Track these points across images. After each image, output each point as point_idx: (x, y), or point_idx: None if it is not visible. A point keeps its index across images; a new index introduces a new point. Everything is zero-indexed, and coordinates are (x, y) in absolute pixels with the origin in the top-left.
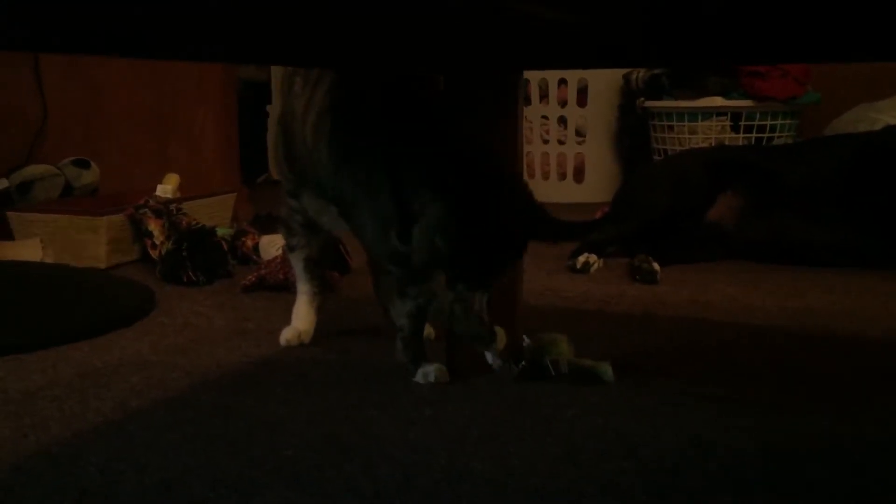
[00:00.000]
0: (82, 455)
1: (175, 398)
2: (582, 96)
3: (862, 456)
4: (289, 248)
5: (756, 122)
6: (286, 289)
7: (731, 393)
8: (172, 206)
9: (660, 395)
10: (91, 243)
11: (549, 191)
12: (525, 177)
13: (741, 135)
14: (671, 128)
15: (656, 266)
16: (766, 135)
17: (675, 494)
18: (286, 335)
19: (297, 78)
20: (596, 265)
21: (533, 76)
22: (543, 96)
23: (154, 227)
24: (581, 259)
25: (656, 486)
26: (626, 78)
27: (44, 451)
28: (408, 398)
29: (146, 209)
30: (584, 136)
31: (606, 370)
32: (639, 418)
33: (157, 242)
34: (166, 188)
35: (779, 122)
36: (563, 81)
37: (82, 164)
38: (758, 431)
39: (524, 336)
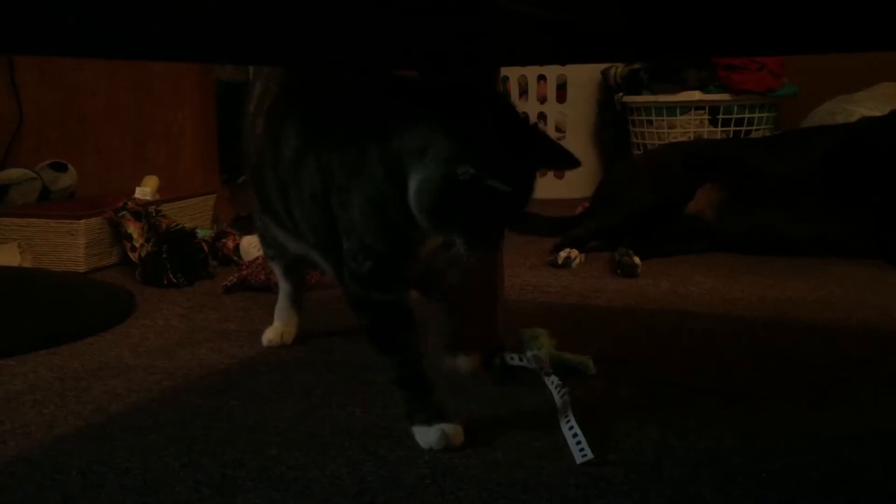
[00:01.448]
0: (63, 459)
1: (156, 400)
2: (561, 92)
3: (841, 444)
4: (267, 257)
5: (734, 116)
6: (268, 289)
7: (712, 384)
8: (152, 209)
9: (642, 388)
10: (69, 247)
11: None
12: None
13: (719, 128)
14: (650, 122)
15: (637, 260)
16: (744, 128)
17: (657, 485)
18: (268, 335)
19: (251, 97)
20: (577, 260)
21: (512, 72)
22: (523, 92)
23: (133, 229)
24: (563, 254)
25: (639, 478)
26: (605, 73)
27: (24, 456)
28: (391, 396)
29: (125, 212)
30: (564, 132)
31: (588, 363)
32: (621, 410)
33: (137, 245)
34: (145, 190)
35: (756, 115)
36: (542, 77)
37: (59, 168)
38: (739, 422)
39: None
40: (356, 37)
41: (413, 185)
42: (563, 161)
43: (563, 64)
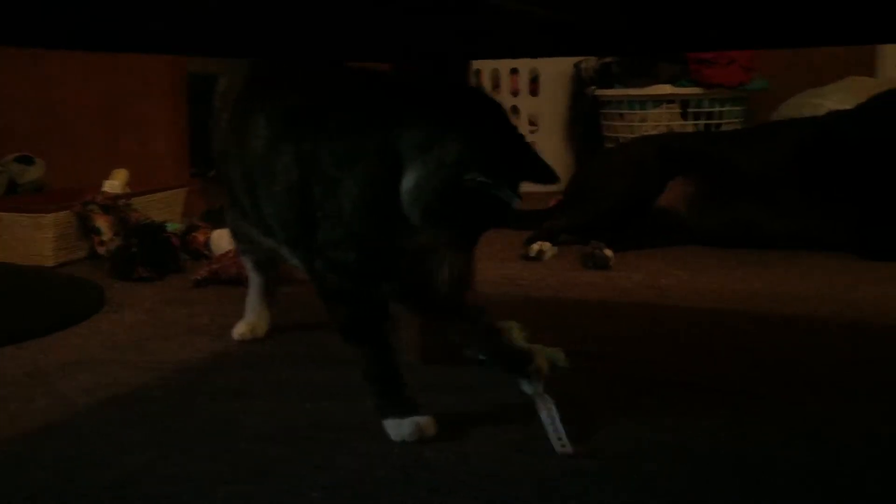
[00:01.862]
0: (31, 456)
1: (127, 395)
2: (534, 86)
3: (813, 436)
4: (239, 251)
5: (705, 109)
6: (239, 283)
7: (684, 376)
8: (121, 202)
9: (615, 380)
10: (37, 241)
11: None
12: None
13: (690, 122)
14: (622, 116)
15: (609, 252)
16: (714, 121)
17: (630, 477)
18: (239, 329)
19: (216, 91)
20: (550, 253)
21: (484, 66)
22: (495, 86)
23: (102, 223)
24: (535, 247)
25: (612, 470)
26: (577, 67)
27: None
28: (364, 390)
29: (94, 205)
30: (537, 126)
31: (560, 357)
32: (595, 403)
33: (106, 239)
34: (114, 183)
35: (727, 108)
36: (514, 71)
37: (26, 161)
38: (711, 414)
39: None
40: (326, 29)
41: (410, 180)
42: (546, 175)
43: (535, 57)
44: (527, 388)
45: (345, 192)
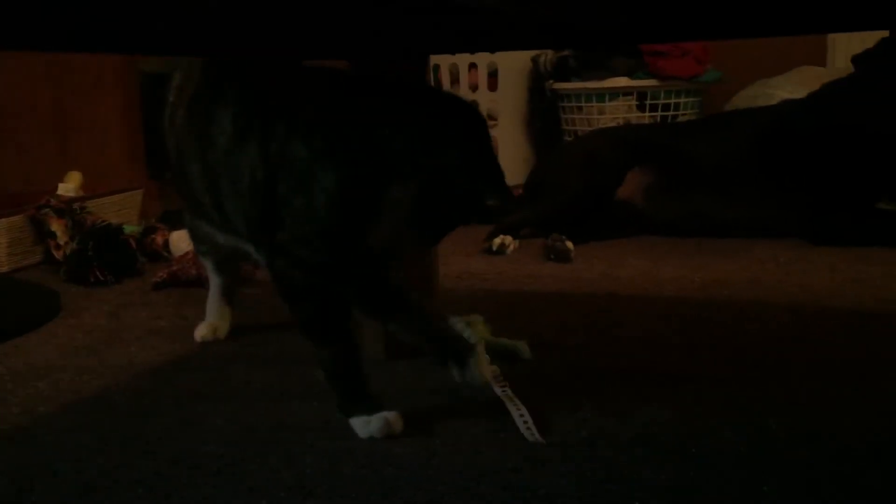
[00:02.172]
0: None
1: (87, 401)
2: (492, 80)
3: (769, 420)
4: (198, 253)
5: (661, 101)
6: (199, 284)
7: (644, 364)
8: (76, 205)
9: (577, 370)
10: None
11: None
12: None
13: (647, 113)
14: (580, 109)
15: (570, 245)
16: (670, 113)
17: (593, 465)
18: (201, 331)
19: (173, 84)
20: (512, 247)
21: (443, 61)
22: (454, 81)
23: (57, 227)
24: (497, 241)
25: (575, 458)
26: (535, 61)
27: None
28: (326, 389)
29: (48, 209)
30: (496, 120)
31: (523, 348)
32: (557, 393)
33: (61, 243)
34: (68, 187)
35: (682, 100)
36: (473, 66)
37: None
38: (670, 401)
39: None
40: (283, 27)
41: (403, 188)
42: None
43: (493, 52)
44: (457, 375)
45: (319, 188)
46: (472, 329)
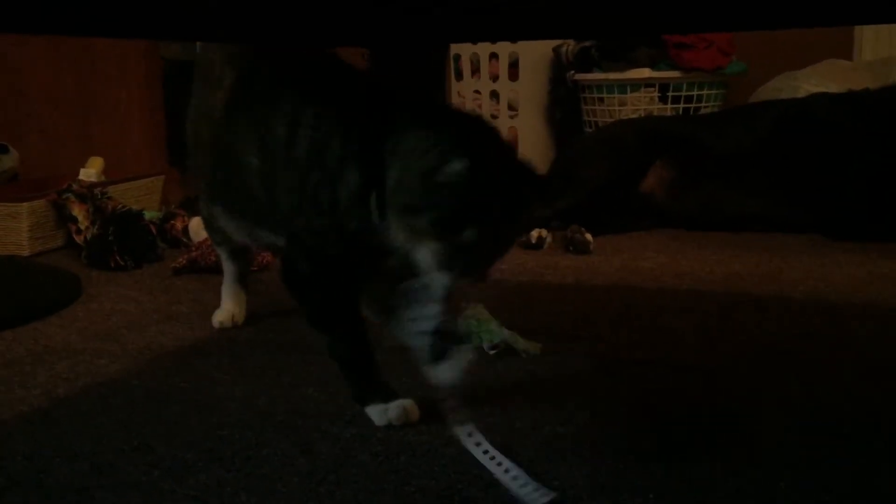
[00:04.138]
0: (7, 445)
1: (105, 384)
2: (513, 70)
3: (784, 410)
4: (213, 243)
5: (683, 93)
6: (218, 271)
7: (661, 357)
8: (97, 190)
9: (594, 362)
10: (12, 231)
11: None
12: None
13: (669, 105)
14: (601, 100)
15: (589, 237)
16: (693, 105)
17: (607, 453)
18: (219, 317)
19: (202, 75)
20: (549, 238)
21: (464, 50)
22: (475, 71)
23: (78, 211)
24: (534, 234)
25: (590, 449)
26: (557, 51)
27: None
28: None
29: (69, 194)
30: (517, 111)
31: (533, 346)
32: (573, 385)
33: (83, 228)
34: (90, 172)
35: (705, 92)
36: (494, 56)
37: (1, 150)
38: (687, 392)
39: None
40: (306, 15)
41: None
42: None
43: (515, 41)
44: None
45: (345, 182)
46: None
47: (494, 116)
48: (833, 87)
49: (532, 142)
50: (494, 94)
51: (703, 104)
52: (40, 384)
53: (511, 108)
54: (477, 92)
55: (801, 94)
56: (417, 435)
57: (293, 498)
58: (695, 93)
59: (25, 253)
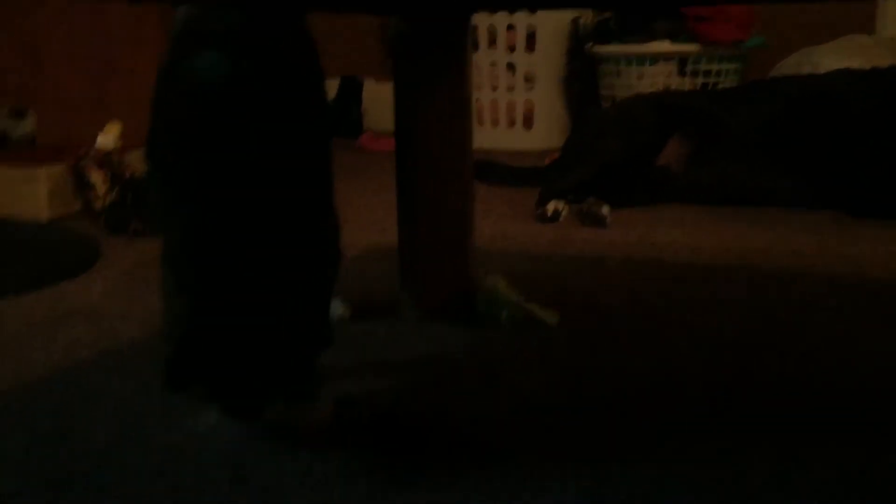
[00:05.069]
0: (33, 404)
1: (128, 346)
2: (530, 42)
3: (797, 380)
4: None
5: (702, 67)
6: None
7: (678, 328)
8: (115, 156)
9: (609, 334)
10: (30, 196)
11: (498, 138)
12: (474, 124)
13: (688, 79)
14: (619, 73)
15: (606, 210)
16: (712, 79)
17: (625, 425)
18: None
19: None
20: (565, 212)
21: (481, 21)
22: (492, 42)
23: (96, 177)
24: (551, 206)
25: (605, 422)
26: (575, 23)
27: None
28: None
29: (87, 159)
30: (533, 83)
31: (552, 316)
32: (589, 357)
33: (100, 193)
34: (108, 137)
35: (724, 66)
36: (511, 27)
37: (18, 114)
38: (705, 363)
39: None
40: None
41: None
42: None
43: (534, 11)
44: None
45: None
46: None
47: (511, 88)
48: (854, 63)
49: (548, 115)
50: (511, 66)
51: (721, 79)
52: (62, 346)
53: (527, 79)
54: (493, 64)
55: (822, 69)
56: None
57: None
58: (714, 67)
59: (44, 218)
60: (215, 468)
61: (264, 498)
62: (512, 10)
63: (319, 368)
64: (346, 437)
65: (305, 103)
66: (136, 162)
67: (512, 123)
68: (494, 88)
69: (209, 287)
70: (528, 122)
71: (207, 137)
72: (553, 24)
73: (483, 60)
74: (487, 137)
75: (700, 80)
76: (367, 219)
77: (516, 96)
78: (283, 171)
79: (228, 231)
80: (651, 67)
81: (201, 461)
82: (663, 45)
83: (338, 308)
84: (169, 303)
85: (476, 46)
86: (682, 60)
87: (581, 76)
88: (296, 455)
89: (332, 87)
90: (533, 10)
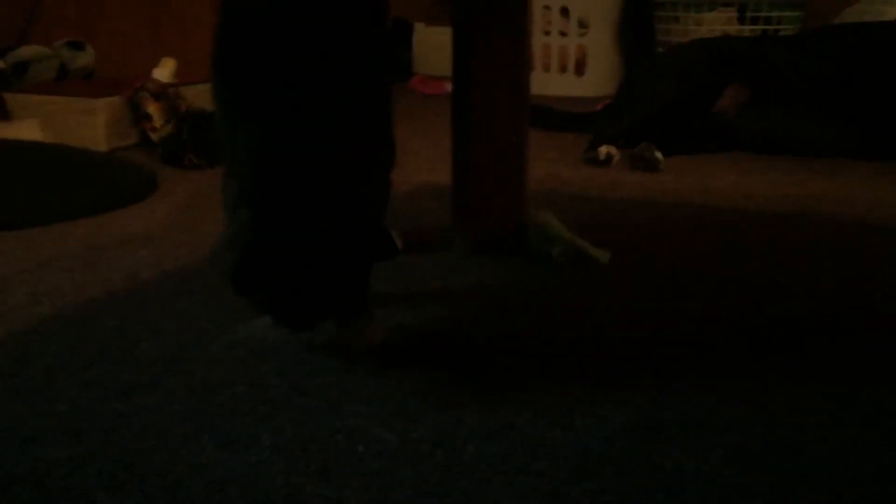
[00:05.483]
0: (98, 319)
1: (184, 269)
2: None
3: (848, 327)
4: None
5: (763, 14)
6: None
7: (728, 272)
8: (171, 90)
9: (659, 275)
10: (88, 126)
11: (549, 83)
12: None
13: (747, 26)
14: (677, 19)
15: (659, 155)
16: (772, 27)
17: (663, 367)
18: None
19: None
20: (616, 157)
21: None
22: None
23: (153, 109)
24: (603, 150)
25: (655, 357)
26: None
27: (58, 314)
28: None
29: (144, 92)
30: (587, 28)
31: (603, 254)
32: (640, 295)
33: (157, 125)
34: (163, 72)
35: (786, 13)
36: None
37: (77, 46)
38: (755, 307)
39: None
40: None
41: None
42: None
43: None
44: None
45: None
46: (552, 231)
47: (563, 33)
48: None
49: (601, 61)
50: (564, 11)
51: (782, 26)
52: (124, 267)
53: (581, 24)
54: (546, 8)
55: (888, 17)
56: (467, 340)
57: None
58: (775, 14)
59: (102, 149)
60: (274, 379)
61: (323, 408)
62: None
63: (371, 292)
64: (397, 359)
65: (370, 20)
66: (191, 97)
67: (563, 69)
68: (547, 33)
69: (273, 198)
70: (580, 68)
71: (276, 49)
72: None
73: (536, 4)
74: (537, 82)
75: (760, 27)
76: (418, 159)
77: (569, 41)
78: (348, 85)
79: (293, 143)
80: (710, 14)
81: (261, 372)
82: None
83: None
84: (231, 214)
85: None
86: (742, 7)
87: (636, 22)
88: (351, 372)
89: None
90: None
